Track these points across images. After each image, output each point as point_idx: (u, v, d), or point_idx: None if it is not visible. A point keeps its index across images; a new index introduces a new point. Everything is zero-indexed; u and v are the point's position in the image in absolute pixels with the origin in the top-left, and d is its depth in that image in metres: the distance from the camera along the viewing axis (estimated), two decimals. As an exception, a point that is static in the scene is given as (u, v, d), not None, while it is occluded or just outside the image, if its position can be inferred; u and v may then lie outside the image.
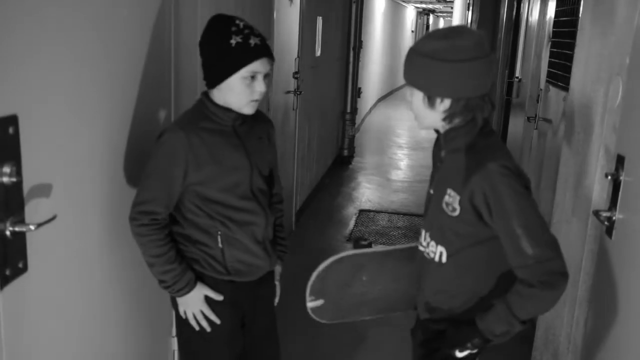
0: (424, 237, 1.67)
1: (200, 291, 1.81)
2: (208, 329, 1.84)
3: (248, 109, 1.76)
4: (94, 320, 1.75)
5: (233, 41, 1.65)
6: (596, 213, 1.79)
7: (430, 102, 1.50)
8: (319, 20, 5.32)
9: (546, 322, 2.55)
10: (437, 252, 1.61)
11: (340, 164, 7.13)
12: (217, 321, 1.84)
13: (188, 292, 1.79)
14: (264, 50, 1.69)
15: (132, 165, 1.85)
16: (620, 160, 1.70)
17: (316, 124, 5.61)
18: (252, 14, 3.12)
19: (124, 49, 1.79)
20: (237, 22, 1.70)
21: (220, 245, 1.79)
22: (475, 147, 1.51)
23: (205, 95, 1.80)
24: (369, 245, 1.80)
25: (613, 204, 1.73)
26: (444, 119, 1.52)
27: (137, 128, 1.87)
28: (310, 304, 1.71)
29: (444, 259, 1.60)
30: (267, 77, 1.74)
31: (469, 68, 1.44)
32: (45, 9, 1.35)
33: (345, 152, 7.30)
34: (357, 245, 1.79)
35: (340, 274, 1.71)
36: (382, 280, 1.76)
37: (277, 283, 2.04)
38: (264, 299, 1.99)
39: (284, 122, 4.27)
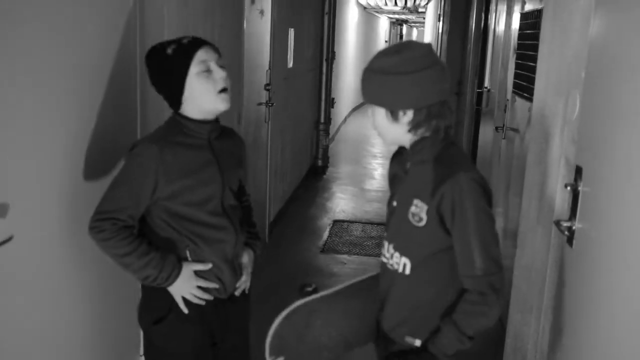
0: (387, 248, 1.69)
1: (189, 268, 1.74)
2: (211, 298, 1.79)
3: (222, 104, 1.72)
4: (57, 341, 1.72)
5: (169, 50, 1.67)
6: (557, 223, 1.82)
7: (394, 116, 1.55)
8: (291, 31, 5.35)
9: (515, 329, 2.58)
10: (401, 263, 1.63)
11: (314, 174, 7.14)
12: (217, 286, 1.79)
13: (178, 274, 1.71)
14: (200, 41, 1.70)
15: (94, 183, 1.84)
16: (578, 171, 1.74)
17: (289, 135, 5.62)
18: (222, 26, 3.13)
19: (88, 69, 1.78)
20: (166, 40, 1.73)
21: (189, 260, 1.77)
22: (442, 157, 1.56)
23: (177, 113, 1.78)
24: (315, 290, 1.82)
25: (573, 213, 1.77)
26: (409, 131, 1.56)
27: (99, 144, 1.86)
28: None
29: (407, 270, 1.62)
30: (224, 67, 1.72)
31: (424, 76, 1.50)
32: (3, 24, 1.34)
33: (320, 162, 7.32)
34: (302, 292, 1.80)
35: (295, 326, 1.71)
36: (335, 320, 1.77)
37: (246, 274, 1.93)
38: (236, 318, 1.96)
39: (256, 134, 4.27)
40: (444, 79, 1.55)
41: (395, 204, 1.67)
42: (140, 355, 2.26)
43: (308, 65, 6.59)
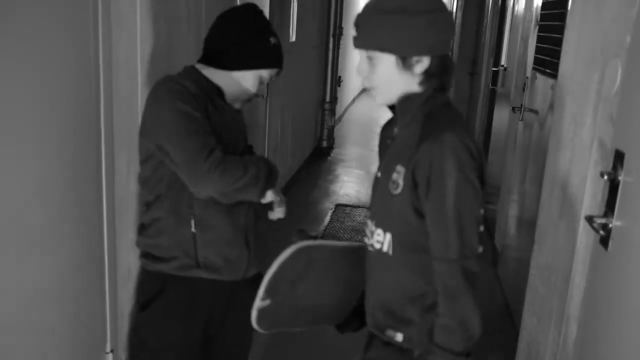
0: (370, 227, 1.43)
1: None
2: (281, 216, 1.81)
3: (240, 104, 1.75)
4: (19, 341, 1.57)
5: (273, 40, 1.68)
6: (589, 219, 1.52)
7: (406, 64, 1.30)
8: (294, 2, 5.01)
9: (529, 335, 2.29)
10: (384, 241, 1.37)
11: (318, 156, 6.83)
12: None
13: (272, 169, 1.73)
14: (282, 63, 1.75)
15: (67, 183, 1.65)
16: (619, 157, 1.43)
17: (291, 114, 5.30)
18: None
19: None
20: (273, 28, 1.74)
21: (193, 229, 1.63)
22: (432, 116, 1.31)
23: (194, 69, 1.70)
24: (316, 238, 1.58)
25: (609, 208, 1.46)
26: (421, 82, 1.32)
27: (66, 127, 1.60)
28: (259, 304, 1.44)
29: (391, 250, 1.36)
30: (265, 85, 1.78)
31: (443, 19, 1.31)
32: None
33: (324, 143, 7.01)
34: (303, 236, 1.56)
35: (294, 269, 1.46)
36: (325, 282, 1.53)
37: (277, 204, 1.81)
38: (241, 310, 1.65)
39: (252, 111, 3.98)
40: (453, 27, 1.39)
41: (379, 175, 1.42)
42: (107, 353, 2.07)
43: (313, 40, 6.24)
